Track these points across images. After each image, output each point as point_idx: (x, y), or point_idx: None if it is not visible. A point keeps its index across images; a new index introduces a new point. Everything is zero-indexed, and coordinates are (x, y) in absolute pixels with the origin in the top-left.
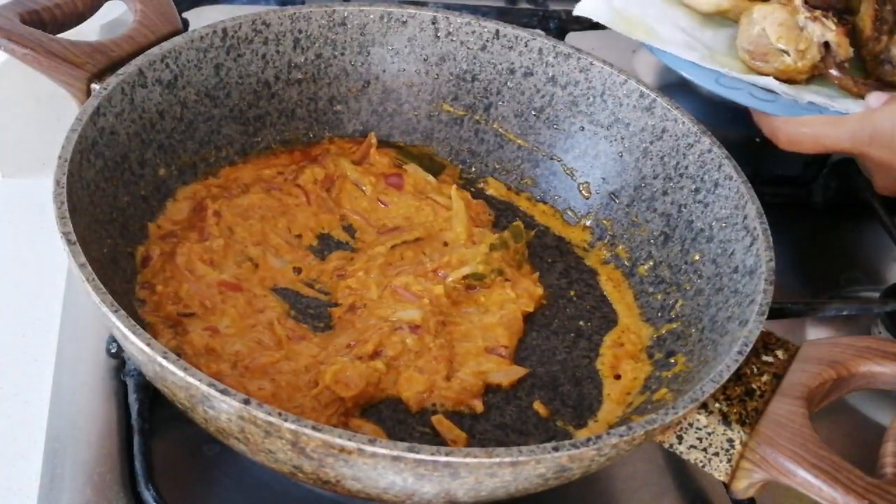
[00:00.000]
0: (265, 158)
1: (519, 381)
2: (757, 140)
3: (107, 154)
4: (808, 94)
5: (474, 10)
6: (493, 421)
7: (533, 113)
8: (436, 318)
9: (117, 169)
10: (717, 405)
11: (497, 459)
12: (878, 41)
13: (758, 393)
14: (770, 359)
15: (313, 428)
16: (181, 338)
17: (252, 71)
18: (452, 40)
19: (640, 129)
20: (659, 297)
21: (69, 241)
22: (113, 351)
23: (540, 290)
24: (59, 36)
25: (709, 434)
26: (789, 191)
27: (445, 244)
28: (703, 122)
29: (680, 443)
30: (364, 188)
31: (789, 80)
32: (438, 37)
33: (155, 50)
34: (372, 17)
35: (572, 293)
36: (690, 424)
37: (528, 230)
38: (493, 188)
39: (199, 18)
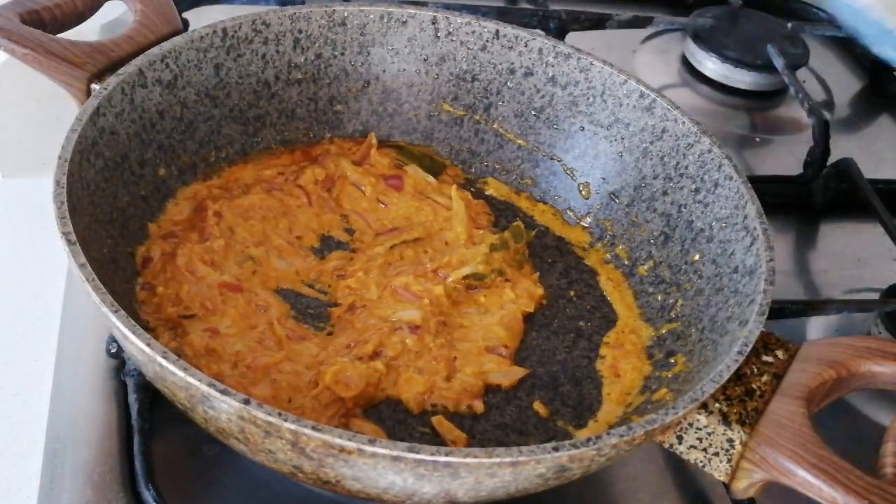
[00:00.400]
0: (265, 159)
1: (519, 381)
2: (757, 140)
3: (107, 154)
4: None
5: (474, 10)
6: (493, 421)
7: (533, 113)
8: (436, 318)
9: (117, 169)
10: (717, 405)
11: (497, 459)
12: None
13: (758, 393)
14: (770, 359)
15: (313, 428)
16: (181, 339)
17: (252, 71)
18: (452, 40)
19: (640, 129)
20: (659, 297)
21: (69, 241)
22: (113, 351)
23: (540, 291)
24: (59, 36)
25: (709, 434)
26: (789, 191)
27: (446, 244)
28: (703, 122)
29: (680, 443)
30: (364, 189)
31: None
32: (438, 37)
33: (155, 50)
34: (372, 17)
35: (572, 293)
36: (690, 424)
37: (528, 230)
38: (493, 188)
39: (199, 18)
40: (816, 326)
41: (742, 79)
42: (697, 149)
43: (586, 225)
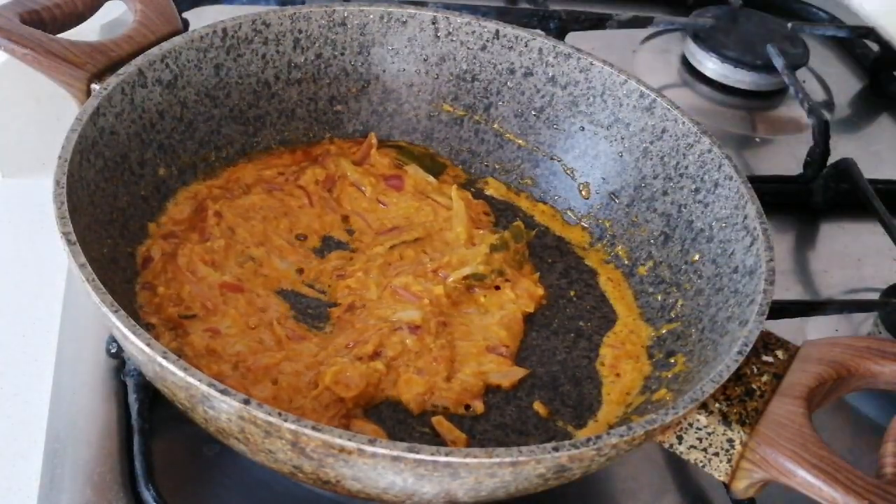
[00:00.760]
0: (266, 159)
1: (519, 381)
2: (757, 140)
3: (107, 154)
4: None
5: (474, 10)
6: (493, 421)
7: (533, 113)
8: (436, 318)
9: (117, 169)
10: (717, 405)
11: (497, 459)
12: None
13: (758, 393)
14: (770, 359)
15: (313, 428)
16: (182, 339)
17: (252, 71)
18: (452, 40)
19: (640, 129)
20: (659, 297)
21: (69, 241)
22: (113, 351)
23: (540, 291)
24: (59, 36)
25: (709, 434)
26: (789, 191)
27: (446, 244)
28: (703, 122)
29: (680, 443)
30: (364, 189)
31: None
32: (438, 37)
33: (155, 50)
34: (372, 17)
35: (572, 293)
36: (690, 424)
37: (528, 230)
38: (493, 188)
39: (199, 18)
40: (816, 326)
41: (742, 79)
42: (697, 149)
43: (586, 225)
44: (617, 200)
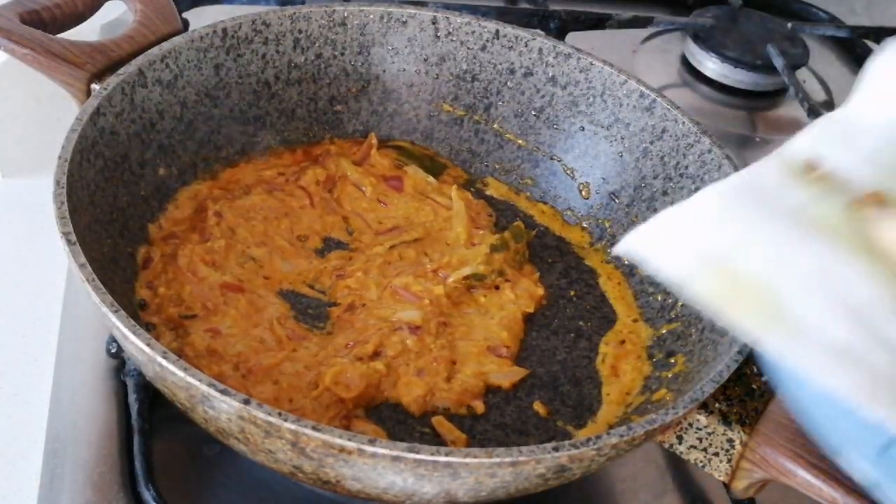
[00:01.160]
0: (266, 159)
1: (519, 381)
2: (757, 140)
3: (107, 154)
4: None
5: (474, 10)
6: (493, 421)
7: (533, 113)
8: (436, 318)
9: (117, 169)
10: (717, 405)
11: (497, 459)
12: None
13: (758, 393)
14: None
15: (313, 428)
16: (183, 340)
17: (252, 71)
18: (452, 40)
19: (640, 129)
20: (659, 297)
21: (69, 241)
22: (113, 351)
23: (540, 291)
24: (59, 36)
25: (709, 434)
26: None
27: (446, 244)
28: (703, 122)
29: (680, 443)
30: (364, 189)
31: None
32: (438, 37)
33: (155, 50)
34: (372, 17)
35: (572, 293)
36: (690, 424)
37: (528, 230)
38: (493, 188)
39: (199, 18)
40: None
41: (742, 79)
42: (697, 149)
43: (586, 225)
44: (617, 200)
